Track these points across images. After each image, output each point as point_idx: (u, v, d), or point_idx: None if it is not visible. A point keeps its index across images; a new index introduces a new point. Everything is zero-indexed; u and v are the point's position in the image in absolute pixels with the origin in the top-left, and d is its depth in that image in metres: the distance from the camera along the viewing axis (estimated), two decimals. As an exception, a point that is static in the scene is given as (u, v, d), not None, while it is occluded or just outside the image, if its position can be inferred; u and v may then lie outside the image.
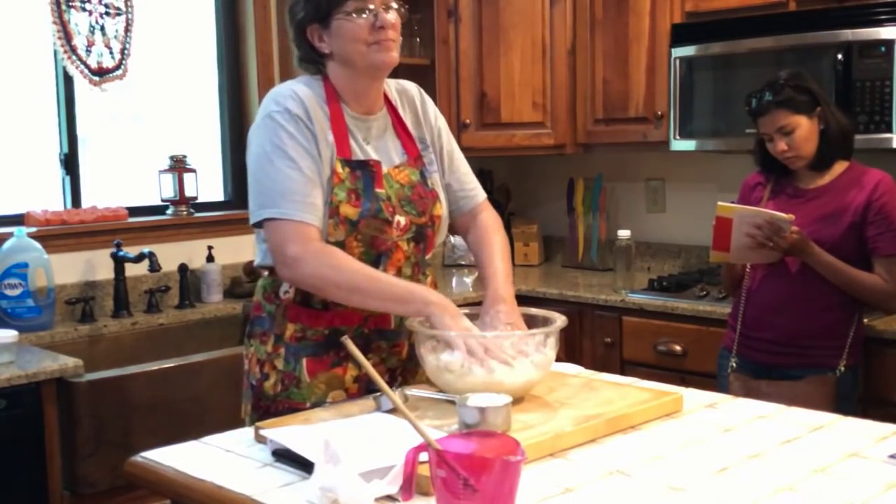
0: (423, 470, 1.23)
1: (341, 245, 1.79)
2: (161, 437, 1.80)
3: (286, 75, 3.67)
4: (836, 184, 2.51)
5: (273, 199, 1.76)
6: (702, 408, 1.75)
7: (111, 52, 3.25)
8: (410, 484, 1.25)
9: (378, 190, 1.83)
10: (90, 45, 3.19)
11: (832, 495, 1.31)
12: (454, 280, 3.77)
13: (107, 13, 3.23)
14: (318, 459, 1.30)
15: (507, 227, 2.07)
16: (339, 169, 1.81)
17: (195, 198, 3.48)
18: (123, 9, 3.28)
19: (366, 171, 1.84)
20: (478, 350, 1.63)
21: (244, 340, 1.95)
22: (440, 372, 1.67)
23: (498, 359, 1.63)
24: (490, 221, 2.04)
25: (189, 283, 3.31)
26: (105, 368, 2.65)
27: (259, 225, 1.81)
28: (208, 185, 3.64)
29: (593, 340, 3.26)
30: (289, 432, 1.51)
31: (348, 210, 1.80)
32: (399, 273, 1.86)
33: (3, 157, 3.18)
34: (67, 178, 3.29)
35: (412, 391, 1.74)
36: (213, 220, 3.50)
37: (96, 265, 3.17)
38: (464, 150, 2.12)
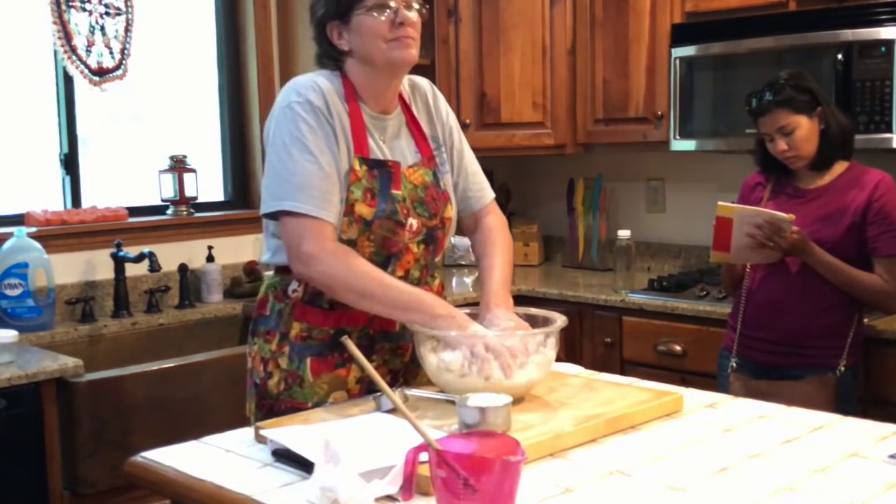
0: (423, 470, 1.23)
1: (353, 244, 1.79)
2: (161, 437, 1.80)
3: (286, 75, 3.67)
4: (836, 184, 2.51)
5: (290, 191, 1.75)
6: (702, 408, 1.75)
7: (111, 52, 3.25)
8: (410, 484, 1.25)
9: (395, 191, 1.83)
10: (90, 45, 3.19)
11: (832, 495, 1.31)
12: (454, 280, 3.77)
13: (107, 13, 3.23)
14: (318, 459, 1.30)
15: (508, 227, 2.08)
16: (357, 167, 1.80)
17: (195, 198, 3.48)
18: (123, 9, 3.28)
19: (383, 171, 1.83)
20: (481, 353, 1.63)
21: (248, 338, 1.95)
22: (440, 372, 1.67)
23: (501, 360, 1.63)
24: (496, 224, 2.04)
25: (189, 283, 3.31)
26: (105, 368, 2.65)
27: (271, 216, 1.80)
28: (208, 185, 3.64)
29: (593, 340, 3.26)
30: (289, 432, 1.51)
31: (363, 209, 1.79)
32: (407, 275, 1.86)
33: (3, 157, 3.18)
34: (67, 178, 3.29)
35: (412, 391, 1.73)
36: (213, 220, 3.50)
37: (96, 265, 3.17)
38: (464, 150, 2.11)
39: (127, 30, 3.29)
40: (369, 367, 1.36)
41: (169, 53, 3.54)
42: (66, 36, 3.12)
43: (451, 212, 1.94)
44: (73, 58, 3.14)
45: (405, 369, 1.92)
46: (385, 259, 1.82)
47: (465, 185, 2.02)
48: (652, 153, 3.68)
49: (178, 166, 3.43)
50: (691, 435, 1.58)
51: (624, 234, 3.33)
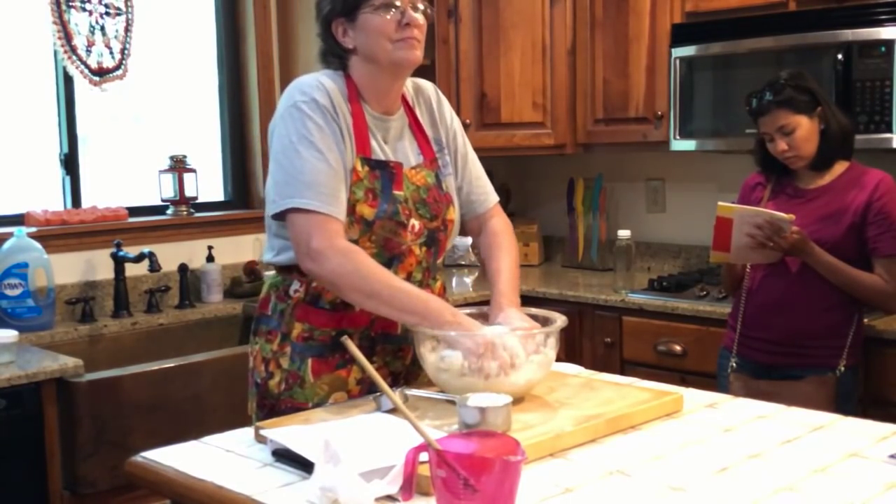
0: (423, 470, 1.23)
1: (354, 244, 1.78)
2: (161, 437, 1.80)
3: (286, 75, 3.67)
4: (836, 184, 2.51)
5: (299, 189, 1.74)
6: (702, 408, 1.75)
7: (111, 52, 3.25)
8: (410, 484, 1.25)
9: (396, 192, 1.82)
10: (90, 45, 3.19)
11: (832, 495, 1.31)
12: (454, 280, 3.77)
13: (107, 13, 3.23)
14: (318, 459, 1.30)
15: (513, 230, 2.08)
16: (359, 167, 1.80)
17: (195, 198, 3.48)
18: (123, 9, 3.28)
19: (385, 172, 1.83)
20: (480, 348, 1.62)
21: (249, 338, 1.94)
22: (440, 372, 1.67)
23: (499, 360, 1.63)
24: (501, 227, 2.03)
25: (189, 283, 3.31)
26: (105, 368, 2.65)
27: (280, 217, 1.79)
28: (208, 185, 3.65)
29: (593, 340, 3.26)
30: (289, 432, 1.51)
31: (365, 210, 1.79)
32: (409, 277, 1.85)
33: (3, 157, 3.18)
34: (67, 178, 3.29)
35: (412, 391, 1.73)
36: (213, 220, 3.50)
37: (96, 265, 3.17)
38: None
39: (127, 30, 3.30)
40: (369, 367, 1.36)
41: (169, 53, 3.54)
42: (66, 36, 3.12)
43: (454, 214, 1.94)
44: (73, 58, 3.14)
45: (406, 371, 1.92)
46: (387, 261, 1.82)
47: (470, 189, 2.02)
48: (652, 153, 3.68)
49: (178, 166, 3.43)
50: (691, 435, 1.58)
51: (624, 234, 3.33)
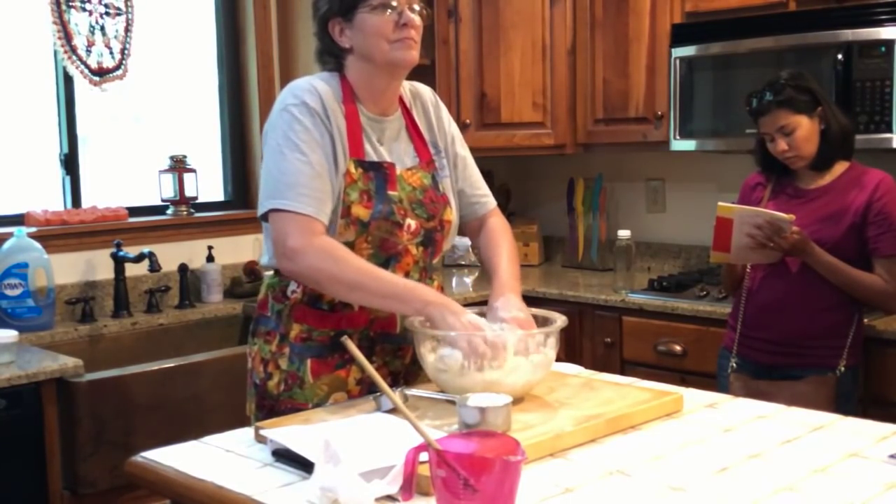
0: (423, 470, 1.23)
1: (351, 246, 1.78)
2: (161, 437, 1.80)
3: (286, 75, 3.67)
4: (836, 184, 2.51)
5: (280, 190, 1.75)
6: (702, 408, 1.75)
7: (111, 52, 3.25)
8: (410, 484, 1.25)
9: (391, 192, 1.83)
10: (90, 45, 3.19)
11: (832, 495, 1.31)
12: (454, 280, 3.77)
13: (107, 13, 3.23)
14: (318, 459, 1.30)
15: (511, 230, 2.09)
16: (352, 169, 1.80)
17: (195, 198, 3.48)
18: (123, 9, 3.28)
19: (379, 173, 1.83)
20: (479, 346, 1.62)
21: (248, 339, 1.95)
22: (440, 371, 1.67)
23: (499, 358, 1.62)
24: (499, 225, 2.04)
25: (189, 283, 3.31)
26: (105, 368, 2.65)
27: (266, 218, 1.80)
28: (208, 185, 3.65)
29: (593, 340, 3.26)
30: (289, 432, 1.51)
31: (360, 211, 1.79)
32: (406, 277, 1.85)
33: (3, 157, 3.18)
34: (67, 178, 3.29)
35: (412, 391, 1.73)
36: (213, 220, 3.50)
37: (96, 265, 3.17)
38: (463, 150, 2.12)
39: (127, 30, 3.30)
40: (369, 367, 1.36)
41: (169, 53, 3.54)
42: (66, 36, 3.12)
43: (451, 215, 1.94)
44: (73, 58, 3.14)
45: (406, 371, 1.92)
46: (384, 261, 1.82)
47: (469, 194, 2.03)
48: (652, 153, 3.68)
49: (178, 166, 3.43)
50: (691, 435, 1.58)
51: (624, 234, 3.33)
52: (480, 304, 1.88)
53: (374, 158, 1.85)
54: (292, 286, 1.85)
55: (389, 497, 1.29)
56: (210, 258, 3.39)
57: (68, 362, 2.51)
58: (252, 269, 3.49)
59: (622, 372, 3.02)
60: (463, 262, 4.06)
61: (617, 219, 3.91)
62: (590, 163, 3.93)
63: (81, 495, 2.52)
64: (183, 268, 3.29)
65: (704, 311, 2.94)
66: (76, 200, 3.31)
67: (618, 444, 1.54)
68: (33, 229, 2.99)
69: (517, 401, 1.62)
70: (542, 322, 1.79)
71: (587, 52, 3.55)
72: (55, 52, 3.16)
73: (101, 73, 3.23)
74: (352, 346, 1.38)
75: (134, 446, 1.75)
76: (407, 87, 1.97)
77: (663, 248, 3.80)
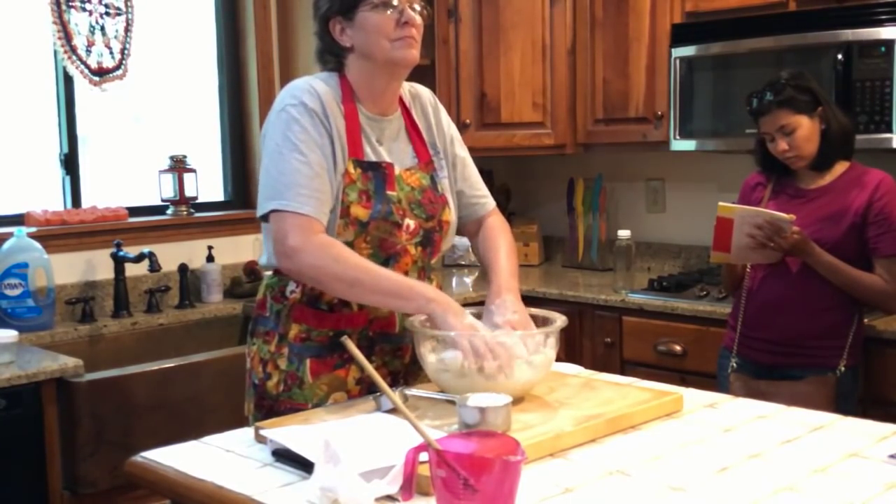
0: (423, 470, 1.23)
1: (350, 246, 1.78)
2: (161, 437, 1.80)
3: (286, 75, 3.67)
4: (836, 184, 2.51)
5: (280, 190, 1.75)
6: (702, 408, 1.75)
7: (111, 52, 3.25)
8: (410, 484, 1.25)
9: (390, 192, 1.83)
10: (90, 45, 3.19)
11: (832, 495, 1.31)
12: (454, 280, 3.77)
13: (107, 13, 3.23)
14: (318, 459, 1.30)
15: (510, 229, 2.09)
16: (351, 169, 1.80)
17: (195, 198, 3.48)
18: (123, 9, 3.28)
19: (378, 173, 1.83)
20: (480, 347, 1.62)
21: (247, 339, 1.95)
22: (440, 372, 1.67)
23: (501, 359, 1.62)
24: (497, 224, 2.05)
25: (189, 283, 3.31)
26: (105, 368, 2.65)
27: (265, 218, 1.80)
28: (208, 185, 3.65)
29: (593, 340, 3.26)
30: (289, 432, 1.51)
31: (359, 211, 1.79)
32: (405, 276, 1.85)
33: (3, 157, 3.18)
34: (67, 178, 3.29)
35: (412, 391, 1.73)
36: (213, 220, 3.51)
37: (96, 265, 3.17)
38: (463, 150, 2.12)
39: (127, 30, 3.30)
40: (369, 367, 1.36)
41: (169, 53, 3.54)
42: (66, 36, 3.12)
43: (450, 216, 1.94)
44: (73, 58, 3.14)
45: (405, 370, 1.92)
46: (383, 261, 1.82)
47: (468, 195, 2.03)
48: (652, 153, 3.68)
49: (178, 166, 3.43)
50: (691, 435, 1.58)
51: (624, 234, 3.33)
52: (480, 304, 1.88)
53: (373, 158, 1.85)
54: (291, 286, 1.85)
55: (389, 497, 1.29)
56: (210, 258, 3.39)
57: (68, 362, 2.51)
58: (252, 269, 3.49)
59: (622, 372, 3.02)
60: (463, 262, 4.06)
61: (617, 219, 3.91)
62: (590, 163, 3.93)
63: (81, 495, 2.52)
64: (183, 268, 3.29)
65: (704, 311, 2.94)
66: (76, 200, 3.31)
67: (618, 444, 1.54)
68: (33, 229, 2.99)
69: (517, 401, 1.62)
70: (542, 322, 1.79)
71: (587, 52, 3.55)
72: (55, 52, 3.16)
73: (101, 73, 3.23)
74: (351, 346, 1.38)
75: (134, 446, 1.75)
76: (406, 87, 1.97)
77: (663, 248, 3.80)
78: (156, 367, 2.66)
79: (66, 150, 3.27)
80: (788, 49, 2.94)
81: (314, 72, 1.92)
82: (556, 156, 3.85)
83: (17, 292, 2.85)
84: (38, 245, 2.92)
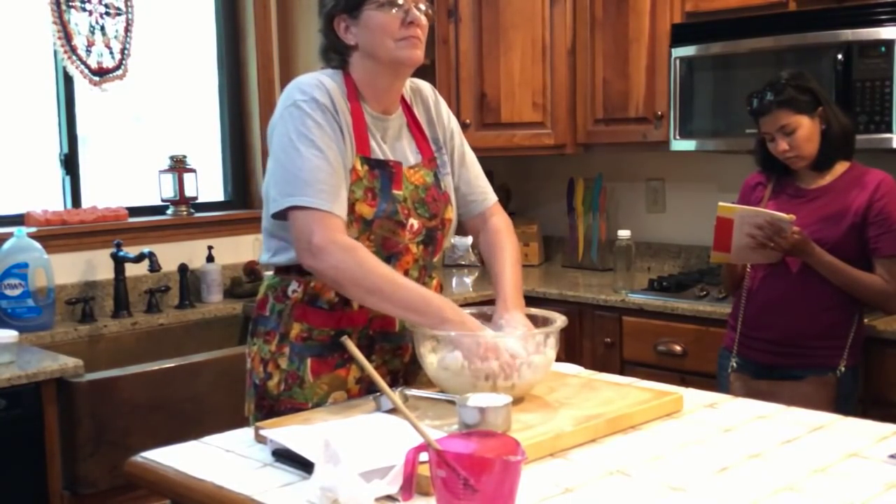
0: (423, 470, 1.23)
1: (355, 241, 1.77)
2: (161, 437, 1.80)
3: (286, 75, 3.67)
4: (837, 184, 2.51)
5: (299, 187, 1.73)
6: (702, 408, 1.75)
7: (111, 52, 3.25)
8: (410, 484, 1.25)
9: (396, 191, 1.82)
10: (90, 45, 3.19)
11: (832, 495, 1.31)
12: (454, 280, 3.77)
13: (107, 13, 3.23)
14: (318, 459, 1.30)
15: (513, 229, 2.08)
16: (359, 166, 1.80)
17: (195, 198, 3.48)
18: (123, 9, 3.28)
19: (385, 171, 1.83)
20: (480, 350, 1.62)
21: (247, 338, 1.95)
22: (440, 371, 1.67)
23: (501, 362, 1.62)
24: (502, 225, 2.03)
25: (189, 283, 3.31)
26: (105, 368, 2.65)
27: (280, 216, 1.78)
28: (208, 185, 3.65)
29: (593, 340, 3.26)
30: (289, 432, 1.51)
31: (364, 209, 1.79)
32: (406, 275, 1.84)
33: (3, 157, 3.18)
34: (67, 178, 3.29)
35: (412, 391, 1.73)
36: (213, 220, 3.50)
37: (96, 265, 3.17)
38: (464, 150, 2.11)
39: (127, 30, 3.30)
40: (369, 367, 1.36)
41: (169, 53, 3.54)
42: (66, 36, 3.12)
43: (451, 213, 1.94)
44: (73, 58, 3.14)
45: (405, 370, 1.92)
46: (385, 259, 1.82)
47: (469, 189, 2.02)
48: (652, 153, 3.68)
49: (178, 166, 3.43)
50: (691, 435, 1.58)
51: (624, 234, 3.33)
52: (480, 304, 1.88)
53: (380, 156, 1.84)
54: (293, 286, 1.85)
55: (389, 497, 1.29)
56: (210, 258, 3.39)
57: (68, 362, 2.51)
58: (252, 269, 3.49)
59: (622, 372, 3.02)
60: (463, 262, 4.06)
61: (617, 219, 3.91)
62: (590, 163, 3.93)
63: (81, 495, 2.52)
64: (183, 268, 3.29)
65: (704, 311, 2.94)
66: (76, 200, 3.31)
67: (618, 444, 1.54)
68: (33, 229, 2.99)
69: (517, 401, 1.62)
70: (542, 322, 1.79)
71: (587, 52, 3.55)
72: (55, 52, 3.16)
73: (101, 73, 3.23)
74: (351, 346, 1.38)
75: (134, 446, 1.75)
76: (407, 83, 1.96)
77: (663, 248, 3.80)
78: (156, 367, 2.66)
79: (66, 150, 3.27)
80: (788, 49, 2.94)
81: (314, 72, 1.91)
82: (556, 156, 3.85)
83: (17, 292, 2.85)
84: (38, 245, 2.92)
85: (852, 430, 1.60)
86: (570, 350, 3.22)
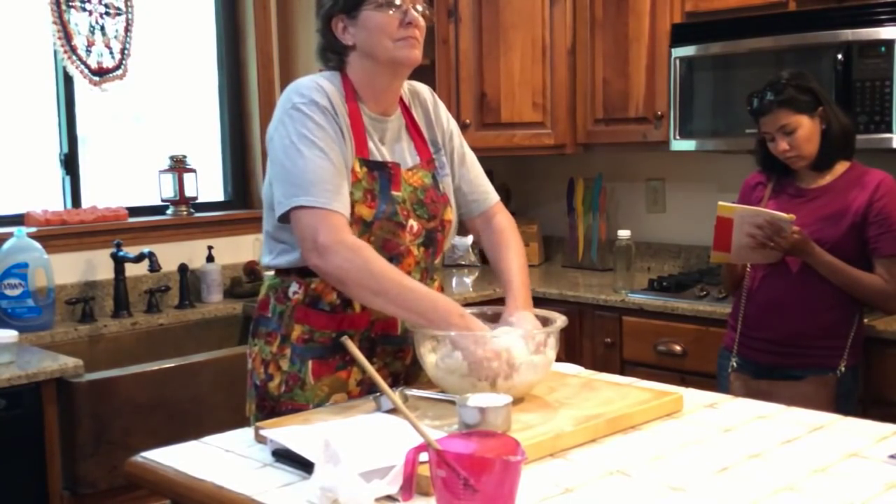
0: (423, 470, 1.23)
1: (360, 240, 1.77)
2: (161, 437, 1.80)
3: (286, 75, 3.67)
4: (837, 184, 2.51)
5: (303, 188, 1.72)
6: (702, 408, 1.75)
7: (111, 52, 3.25)
8: (410, 484, 1.25)
9: (395, 192, 1.82)
10: (90, 45, 3.19)
11: (832, 495, 1.31)
12: (454, 280, 3.77)
13: (107, 13, 3.23)
14: (318, 459, 1.30)
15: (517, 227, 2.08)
16: (357, 168, 1.79)
17: (195, 198, 3.48)
18: (123, 9, 3.28)
19: (383, 173, 1.83)
20: (481, 352, 1.62)
21: (248, 339, 1.94)
22: (440, 372, 1.67)
23: (501, 366, 1.62)
24: (506, 224, 2.03)
25: (189, 283, 3.31)
26: (105, 368, 2.65)
27: (285, 218, 1.77)
28: (208, 185, 3.65)
29: (593, 340, 3.26)
30: (289, 432, 1.51)
31: (363, 210, 1.78)
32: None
33: (3, 157, 3.18)
34: (67, 178, 3.29)
35: (412, 391, 1.73)
36: (213, 220, 3.50)
37: (96, 265, 3.17)
38: (464, 150, 2.11)
39: (127, 30, 3.30)
40: (369, 367, 1.36)
41: (169, 53, 3.54)
42: (66, 36, 3.12)
43: (451, 215, 1.94)
44: (73, 58, 3.14)
45: (406, 372, 1.92)
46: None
47: (470, 189, 2.02)
48: (652, 153, 3.68)
49: (178, 166, 3.43)
50: (691, 435, 1.58)
51: (624, 234, 3.33)
52: (480, 304, 1.88)
53: (378, 158, 1.84)
54: (294, 287, 1.85)
55: (389, 497, 1.29)
56: (210, 258, 3.39)
57: (68, 362, 2.51)
58: (252, 269, 3.49)
59: (622, 372, 3.02)
60: (463, 262, 4.06)
61: (617, 219, 3.91)
62: (590, 163, 3.93)
63: (81, 495, 2.52)
64: (183, 268, 3.29)
65: (704, 311, 2.94)
66: (76, 200, 3.31)
67: (618, 444, 1.54)
68: (33, 229, 2.99)
69: (517, 401, 1.62)
70: (542, 322, 1.79)
71: (587, 52, 3.55)
72: (55, 52, 3.16)
73: (101, 73, 3.23)
74: (352, 347, 1.38)
75: (134, 446, 1.75)
76: (406, 85, 1.96)
77: (663, 248, 3.80)
78: (156, 368, 2.66)
79: (66, 150, 3.27)
80: (788, 49, 2.94)
81: (314, 72, 1.91)
82: (556, 156, 3.85)
83: (17, 292, 2.85)
84: (38, 245, 2.92)
85: (852, 430, 1.60)
86: (570, 350, 3.22)
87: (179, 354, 2.81)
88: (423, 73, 3.74)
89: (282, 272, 1.88)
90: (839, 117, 2.49)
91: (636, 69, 3.41)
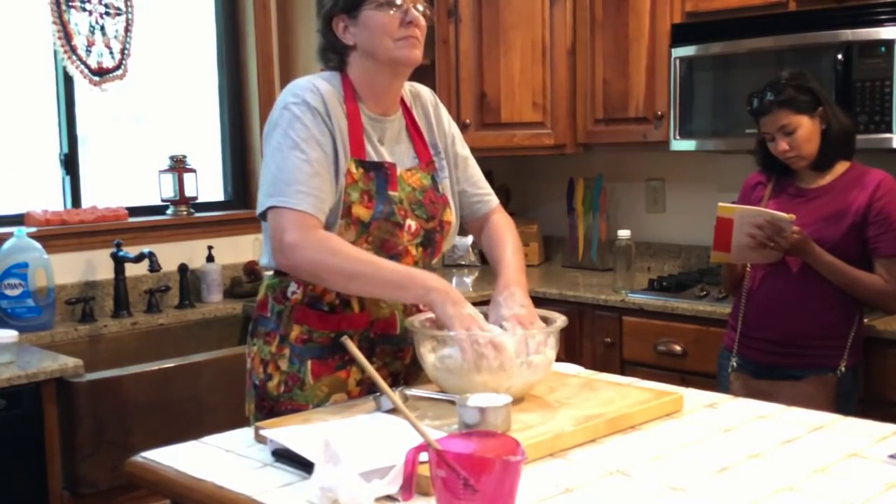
0: (423, 470, 1.23)
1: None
2: (161, 437, 1.80)
3: (286, 75, 3.67)
4: (837, 184, 2.51)
5: (279, 188, 1.73)
6: (702, 408, 1.75)
7: (111, 52, 3.25)
8: (410, 484, 1.25)
9: (391, 193, 1.82)
10: (90, 45, 3.19)
11: (832, 495, 1.31)
12: (454, 280, 3.77)
13: (107, 13, 3.23)
14: (318, 459, 1.30)
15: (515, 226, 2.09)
16: (353, 169, 1.80)
17: (195, 198, 3.48)
18: (123, 9, 3.28)
19: (380, 173, 1.83)
20: (479, 340, 1.62)
21: (247, 339, 1.95)
22: (440, 371, 1.67)
23: (501, 359, 1.62)
24: (502, 222, 2.04)
25: (189, 283, 3.31)
26: (105, 368, 2.65)
27: (265, 217, 1.78)
28: (208, 185, 3.65)
29: (593, 340, 3.26)
30: (289, 432, 1.51)
31: (360, 211, 1.79)
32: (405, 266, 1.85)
33: (3, 157, 3.18)
34: (67, 178, 3.29)
35: (412, 391, 1.73)
36: (213, 220, 3.51)
37: (96, 265, 3.17)
38: (463, 150, 2.12)
39: (127, 30, 3.30)
40: (369, 367, 1.36)
41: (169, 53, 3.54)
42: (66, 36, 3.12)
43: (450, 216, 1.94)
44: (73, 58, 3.14)
45: (406, 372, 1.92)
46: None
47: (471, 193, 2.02)
48: (652, 153, 3.68)
49: (178, 166, 3.43)
50: (691, 435, 1.58)
51: (624, 234, 3.33)
52: (480, 304, 1.87)
53: (375, 158, 1.84)
54: (292, 287, 1.85)
55: (389, 497, 1.29)
56: (210, 258, 3.39)
57: (68, 362, 2.51)
58: (252, 269, 3.50)
59: (622, 372, 3.02)
60: (463, 262, 4.06)
61: (617, 219, 3.91)
62: (590, 163, 3.93)
63: (81, 495, 2.52)
64: (183, 268, 3.29)
65: (704, 311, 2.94)
66: (76, 200, 3.31)
67: (618, 444, 1.54)
68: (33, 229, 2.99)
69: (517, 401, 1.62)
70: (542, 322, 1.79)
71: (587, 52, 3.55)
72: (55, 52, 3.16)
73: (101, 73, 3.23)
74: (351, 346, 1.38)
75: (134, 446, 1.75)
76: (407, 87, 1.96)
77: (663, 248, 3.80)
78: (156, 367, 2.66)
79: (66, 150, 3.27)
80: (788, 49, 2.94)
81: (314, 72, 1.91)
82: (556, 156, 3.85)
83: (17, 292, 2.86)
84: (38, 245, 2.93)
85: (852, 430, 1.60)
86: (570, 350, 3.22)
87: (179, 354, 2.81)
88: (424, 73, 3.74)
89: (280, 272, 1.88)
90: (839, 117, 2.49)
91: (636, 69, 3.41)
